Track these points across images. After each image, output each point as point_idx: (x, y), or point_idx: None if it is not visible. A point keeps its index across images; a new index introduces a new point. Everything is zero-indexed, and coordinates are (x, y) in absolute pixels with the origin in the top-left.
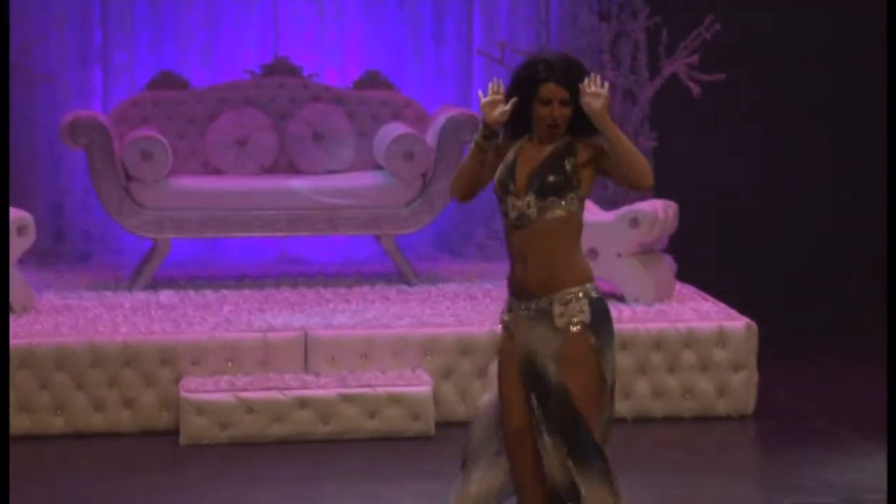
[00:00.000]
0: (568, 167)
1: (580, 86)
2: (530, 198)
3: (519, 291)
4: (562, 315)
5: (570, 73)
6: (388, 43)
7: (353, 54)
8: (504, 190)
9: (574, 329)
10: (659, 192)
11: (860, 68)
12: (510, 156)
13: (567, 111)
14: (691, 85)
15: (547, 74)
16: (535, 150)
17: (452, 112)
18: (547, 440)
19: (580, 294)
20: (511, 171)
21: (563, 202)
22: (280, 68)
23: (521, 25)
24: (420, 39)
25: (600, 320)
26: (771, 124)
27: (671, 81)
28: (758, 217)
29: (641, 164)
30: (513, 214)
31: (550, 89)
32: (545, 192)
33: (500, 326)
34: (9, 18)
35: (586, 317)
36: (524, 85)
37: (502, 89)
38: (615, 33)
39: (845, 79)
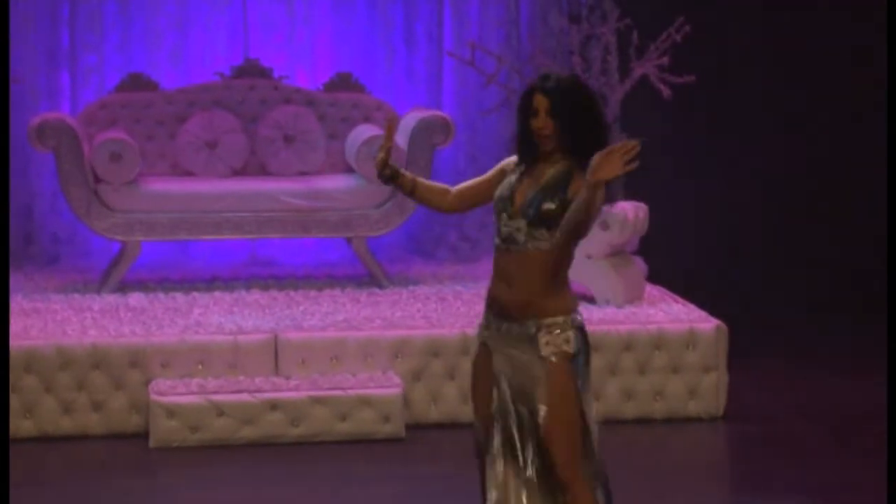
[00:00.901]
0: (563, 196)
1: (630, 144)
2: (522, 223)
3: (500, 311)
4: (548, 344)
5: (561, 86)
6: (358, 45)
7: (324, 56)
8: (501, 207)
9: (557, 359)
10: (629, 195)
11: (836, 68)
12: (514, 175)
13: (552, 123)
14: (661, 87)
15: (537, 84)
16: (537, 170)
17: (423, 114)
18: (504, 466)
19: (568, 323)
20: (511, 190)
21: (550, 235)
22: (250, 70)
23: (491, 27)
24: (390, 41)
25: (584, 352)
26: (742, 126)
27: (641, 83)
28: (729, 219)
29: (586, 230)
30: (504, 232)
31: (538, 99)
32: (537, 222)
33: (476, 340)
34: (9, 19)
35: (572, 346)
36: (522, 101)
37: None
38: (585, 35)
39: (820, 80)
